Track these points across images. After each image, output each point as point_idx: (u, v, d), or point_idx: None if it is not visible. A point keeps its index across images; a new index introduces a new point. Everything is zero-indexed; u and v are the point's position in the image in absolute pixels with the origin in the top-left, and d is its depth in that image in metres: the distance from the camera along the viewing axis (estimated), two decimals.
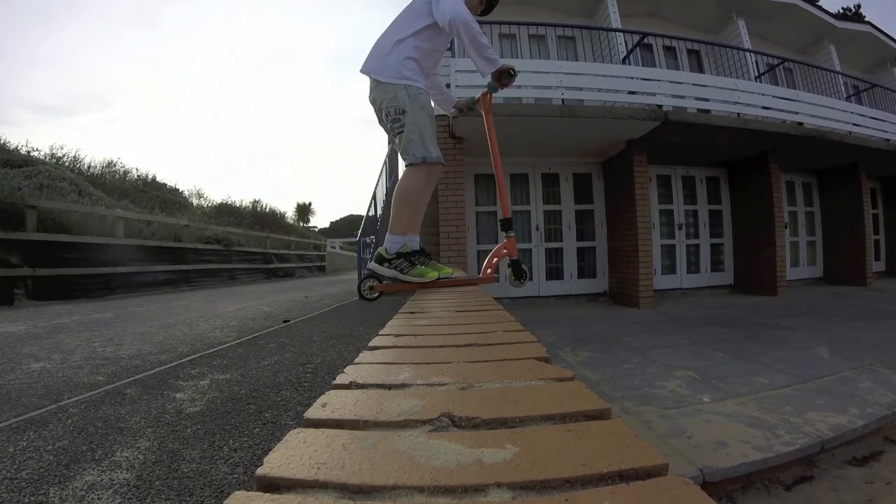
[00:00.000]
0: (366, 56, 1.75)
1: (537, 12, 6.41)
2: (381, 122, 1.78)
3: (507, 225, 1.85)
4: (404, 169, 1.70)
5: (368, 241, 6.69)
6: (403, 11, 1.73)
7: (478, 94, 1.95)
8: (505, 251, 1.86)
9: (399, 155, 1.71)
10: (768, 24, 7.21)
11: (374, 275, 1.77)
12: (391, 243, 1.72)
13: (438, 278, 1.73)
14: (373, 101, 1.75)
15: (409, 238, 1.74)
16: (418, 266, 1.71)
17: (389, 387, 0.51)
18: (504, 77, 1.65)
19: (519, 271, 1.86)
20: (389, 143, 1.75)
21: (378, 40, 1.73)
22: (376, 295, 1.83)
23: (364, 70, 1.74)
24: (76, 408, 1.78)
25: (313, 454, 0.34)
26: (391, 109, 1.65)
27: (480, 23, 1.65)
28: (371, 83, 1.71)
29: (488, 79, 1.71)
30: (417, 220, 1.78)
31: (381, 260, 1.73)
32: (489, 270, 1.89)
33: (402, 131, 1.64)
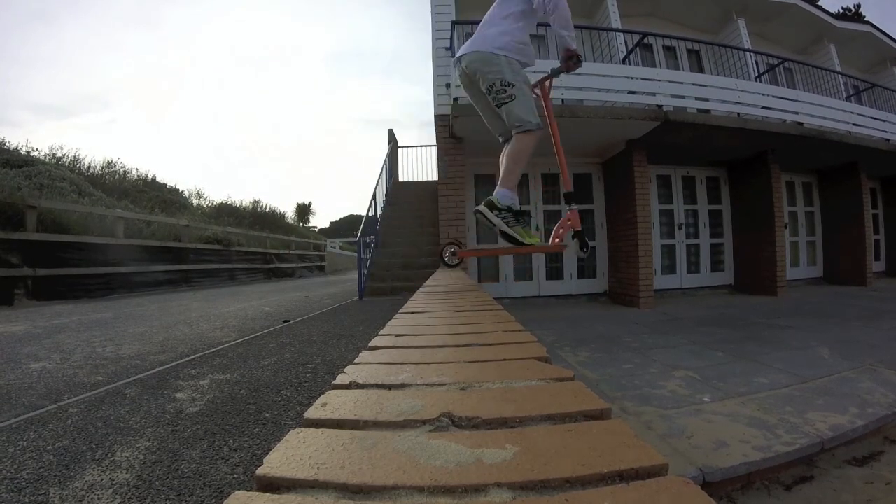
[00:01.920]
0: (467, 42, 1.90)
1: None
2: (474, 94, 1.91)
3: (569, 198, 2.00)
4: (518, 135, 1.80)
5: (368, 240, 6.69)
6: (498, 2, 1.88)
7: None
8: (569, 222, 1.99)
9: (505, 121, 1.83)
10: (768, 23, 7.21)
11: (485, 218, 1.84)
12: (504, 196, 1.82)
13: (532, 244, 1.83)
14: (472, 73, 1.84)
15: (517, 198, 1.85)
16: (521, 226, 1.82)
17: (389, 387, 0.50)
18: (572, 62, 1.81)
19: (583, 242, 1.97)
20: (491, 109, 1.94)
21: (479, 28, 1.89)
22: (458, 261, 2.01)
23: (462, 52, 1.87)
24: (76, 408, 1.78)
25: (313, 454, 0.34)
26: (497, 81, 1.76)
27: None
28: (470, 57, 1.83)
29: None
30: (518, 178, 1.89)
31: (491, 206, 1.81)
32: (557, 240, 2.01)
33: (510, 102, 1.76)
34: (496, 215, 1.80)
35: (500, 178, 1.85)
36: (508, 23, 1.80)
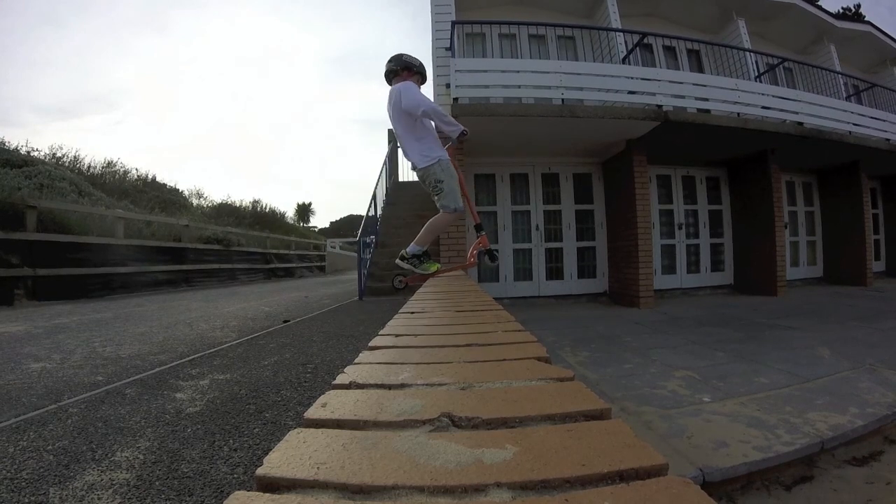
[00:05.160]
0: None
1: (537, 12, 6.41)
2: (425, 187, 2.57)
3: (479, 228, 2.77)
4: (443, 213, 2.44)
5: (368, 240, 6.68)
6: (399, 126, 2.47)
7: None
8: (480, 244, 2.76)
9: (437, 201, 2.48)
10: (768, 23, 7.20)
11: (399, 268, 2.57)
12: (412, 248, 2.51)
13: (437, 270, 2.59)
14: (421, 180, 2.51)
15: (422, 248, 2.54)
16: (424, 263, 2.53)
17: (389, 387, 0.50)
18: (464, 136, 2.48)
19: (491, 255, 2.75)
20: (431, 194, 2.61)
21: (403, 147, 2.51)
22: (403, 286, 2.74)
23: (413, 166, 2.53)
24: (76, 408, 1.78)
25: (313, 454, 0.34)
26: (433, 181, 2.41)
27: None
28: (416, 172, 2.51)
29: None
30: (431, 240, 2.57)
31: (402, 257, 2.53)
32: (471, 259, 2.86)
33: (441, 193, 2.40)
34: (405, 263, 2.51)
35: (417, 236, 2.50)
36: (413, 141, 2.43)
